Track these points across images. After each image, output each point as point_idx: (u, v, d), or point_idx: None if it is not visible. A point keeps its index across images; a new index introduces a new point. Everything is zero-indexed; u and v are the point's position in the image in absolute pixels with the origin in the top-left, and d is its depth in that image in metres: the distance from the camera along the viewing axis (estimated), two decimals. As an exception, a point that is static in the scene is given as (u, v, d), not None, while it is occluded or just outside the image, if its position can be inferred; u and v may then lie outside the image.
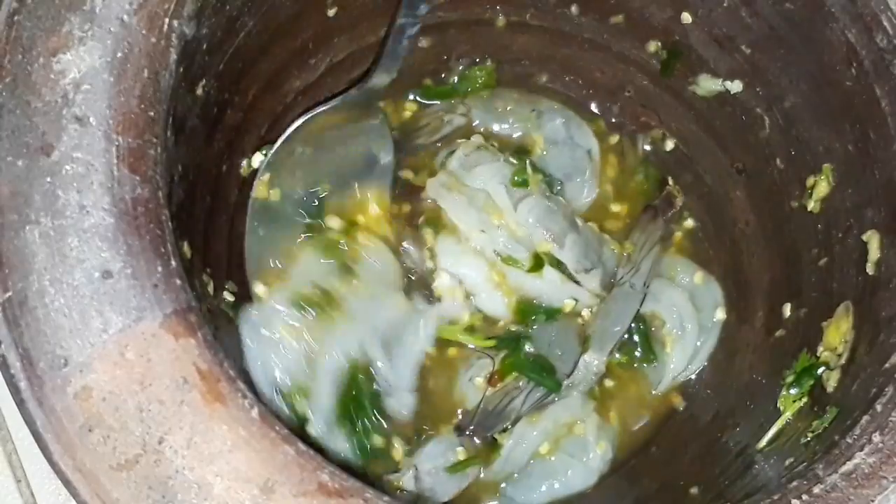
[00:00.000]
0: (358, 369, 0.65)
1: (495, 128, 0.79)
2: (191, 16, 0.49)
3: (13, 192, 0.43)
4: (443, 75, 0.80)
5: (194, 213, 0.57)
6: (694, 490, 0.62)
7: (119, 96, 0.45)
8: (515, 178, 0.73)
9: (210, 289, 0.60)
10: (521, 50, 0.79)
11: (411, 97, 0.79)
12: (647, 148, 0.81)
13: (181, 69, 0.49)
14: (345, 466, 0.43)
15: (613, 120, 0.81)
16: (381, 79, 0.71)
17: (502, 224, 0.71)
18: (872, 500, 0.44)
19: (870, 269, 0.57)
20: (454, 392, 0.71)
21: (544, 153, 0.78)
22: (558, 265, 0.72)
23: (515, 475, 0.69)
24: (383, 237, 0.71)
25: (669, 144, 0.79)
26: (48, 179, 0.43)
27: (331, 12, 0.68)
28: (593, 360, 0.71)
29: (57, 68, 0.45)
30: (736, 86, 0.70)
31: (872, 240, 0.58)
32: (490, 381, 0.70)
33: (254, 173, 0.67)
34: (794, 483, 0.46)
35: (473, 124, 0.79)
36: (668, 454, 0.71)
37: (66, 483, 0.40)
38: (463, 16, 0.75)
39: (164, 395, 0.41)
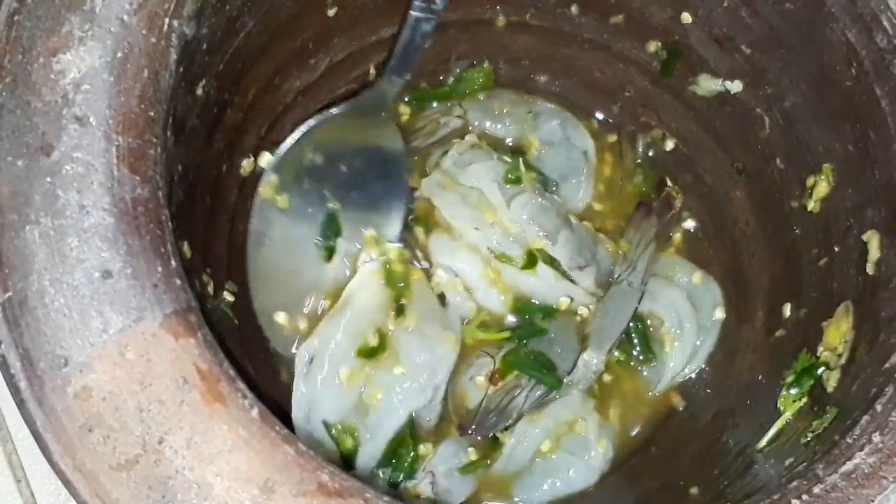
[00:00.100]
0: (412, 417, 0.65)
1: (492, 129, 0.80)
2: (191, 16, 0.49)
3: (13, 192, 0.43)
4: (440, 77, 0.80)
5: (194, 213, 0.57)
6: (694, 490, 0.62)
7: (119, 96, 0.45)
8: (509, 175, 0.73)
9: (210, 289, 0.60)
10: (521, 50, 0.79)
11: (407, 99, 0.79)
12: (648, 148, 0.81)
13: (181, 69, 0.49)
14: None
15: (613, 120, 0.82)
16: (392, 83, 0.70)
17: (496, 221, 0.72)
18: (872, 500, 0.44)
19: (870, 269, 0.57)
20: (456, 391, 0.71)
21: (540, 154, 0.78)
22: (552, 262, 0.72)
23: (521, 475, 0.69)
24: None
25: (669, 144, 0.79)
26: (48, 179, 0.43)
27: (331, 12, 0.68)
28: (592, 359, 0.71)
29: (57, 68, 0.45)
30: (736, 86, 0.70)
31: (872, 240, 0.58)
32: (491, 379, 0.70)
33: (254, 173, 0.67)
34: (794, 483, 0.46)
35: (470, 127, 0.79)
36: (668, 454, 0.71)
37: (66, 483, 0.40)
38: (463, 16, 0.75)
39: (164, 395, 0.41)
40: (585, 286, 0.73)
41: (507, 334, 0.71)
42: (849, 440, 0.47)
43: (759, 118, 0.68)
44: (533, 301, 0.72)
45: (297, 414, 0.62)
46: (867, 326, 0.56)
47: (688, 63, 0.72)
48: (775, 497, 0.45)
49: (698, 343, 0.74)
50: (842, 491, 0.45)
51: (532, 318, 0.72)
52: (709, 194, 0.77)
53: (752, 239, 0.73)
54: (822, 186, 0.63)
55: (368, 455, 0.63)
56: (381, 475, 0.65)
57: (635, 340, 0.74)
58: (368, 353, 0.63)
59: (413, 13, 0.68)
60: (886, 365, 0.51)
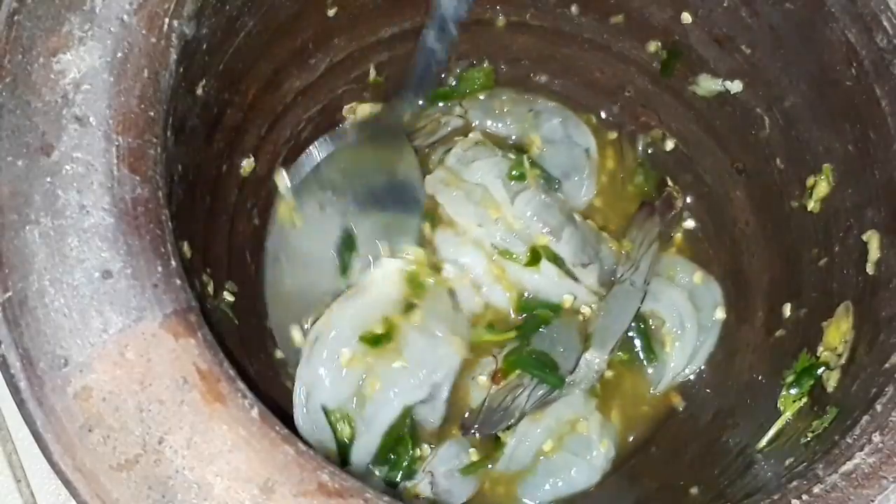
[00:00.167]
0: (407, 412, 0.65)
1: (493, 128, 0.80)
2: (191, 16, 0.49)
3: (13, 192, 0.43)
4: (441, 76, 0.80)
5: (194, 213, 0.57)
6: (694, 490, 0.62)
7: (119, 96, 0.45)
8: (513, 171, 0.73)
9: (210, 289, 0.60)
10: (521, 50, 0.79)
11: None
12: (648, 148, 0.81)
13: (181, 69, 0.49)
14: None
15: (613, 120, 0.82)
16: (407, 108, 0.72)
17: (500, 218, 0.72)
18: (872, 500, 0.44)
19: (870, 269, 0.57)
20: (458, 391, 0.71)
21: (542, 152, 0.78)
22: (555, 260, 0.72)
23: (523, 475, 0.69)
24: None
25: (669, 144, 0.79)
26: (48, 179, 0.43)
27: (331, 12, 0.68)
28: (595, 359, 0.71)
29: (57, 68, 0.45)
30: (736, 86, 0.70)
31: (872, 240, 0.58)
32: (493, 378, 0.70)
33: (254, 173, 0.67)
34: (794, 483, 0.46)
35: (471, 126, 0.79)
36: (668, 454, 0.71)
37: (66, 483, 0.40)
38: (463, 16, 0.75)
39: (164, 395, 0.41)
40: (588, 284, 0.73)
41: (513, 334, 0.71)
42: (849, 440, 0.47)
43: (759, 118, 0.68)
44: (538, 297, 0.73)
45: (298, 397, 0.62)
46: (867, 326, 0.56)
47: (688, 63, 0.72)
48: (775, 497, 0.45)
49: (699, 343, 0.74)
50: (842, 491, 0.45)
51: (536, 314, 0.72)
52: (709, 194, 0.77)
53: (752, 239, 0.73)
54: (822, 186, 0.63)
55: (363, 447, 0.63)
56: (376, 473, 0.65)
57: (636, 341, 0.74)
58: (372, 341, 0.64)
59: (427, 42, 0.70)
60: (886, 365, 0.51)
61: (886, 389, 0.49)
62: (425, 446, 0.67)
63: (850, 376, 0.55)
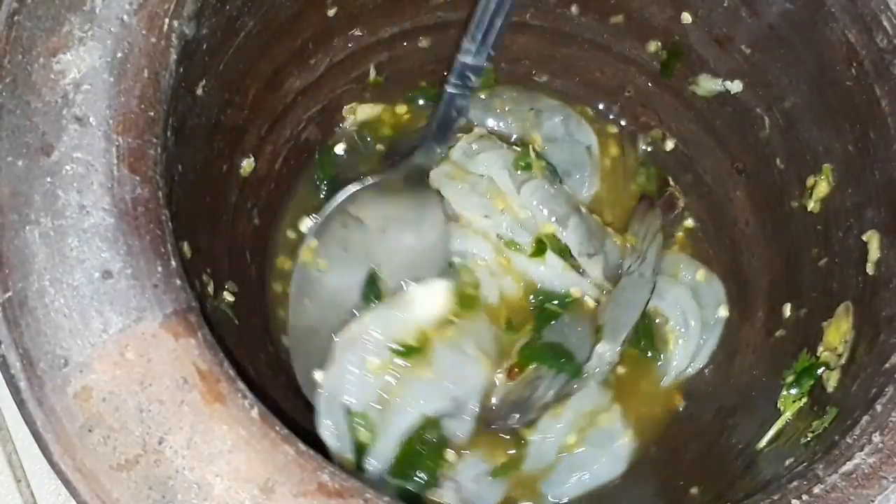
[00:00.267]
0: (427, 425, 0.65)
1: (494, 127, 0.80)
2: (191, 16, 0.49)
3: (13, 192, 0.43)
4: (442, 75, 0.80)
5: (194, 213, 0.57)
6: (694, 490, 0.62)
7: (119, 96, 0.45)
8: (519, 162, 0.73)
9: (210, 289, 0.60)
10: (521, 50, 0.79)
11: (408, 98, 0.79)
12: (648, 148, 0.81)
13: (181, 69, 0.49)
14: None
15: (613, 118, 0.82)
16: (430, 154, 0.72)
17: (506, 208, 0.72)
18: (872, 500, 0.44)
19: (870, 269, 0.57)
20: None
21: (544, 150, 0.78)
22: (561, 249, 0.72)
23: (547, 472, 0.69)
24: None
25: (669, 144, 0.79)
26: (48, 179, 0.43)
27: (331, 12, 0.68)
28: (606, 350, 0.70)
29: (57, 68, 0.45)
30: (736, 86, 0.70)
31: (872, 240, 0.58)
32: (509, 374, 0.69)
33: (254, 173, 0.67)
34: (794, 483, 0.46)
35: (472, 125, 0.79)
36: (668, 454, 0.71)
37: (66, 483, 0.40)
38: (463, 16, 0.75)
39: (164, 395, 0.41)
40: (593, 277, 0.73)
41: (529, 327, 0.71)
42: (849, 440, 0.47)
43: (759, 118, 0.68)
44: (547, 289, 0.72)
45: (323, 396, 0.62)
46: (867, 326, 0.56)
47: (688, 63, 0.72)
48: (775, 497, 0.45)
49: (702, 341, 0.74)
50: (842, 491, 0.45)
51: (547, 307, 0.72)
52: (709, 194, 0.77)
53: (752, 239, 0.73)
54: (822, 186, 0.63)
55: (379, 453, 0.63)
56: (391, 482, 0.64)
57: (640, 338, 0.74)
58: (405, 353, 0.64)
59: (449, 89, 0.71)
60: (886, 365, 0.51)
61: (886, 389, 0.49)
62: (450, 452, 0.67)
63: (850, 376, 0.55)
